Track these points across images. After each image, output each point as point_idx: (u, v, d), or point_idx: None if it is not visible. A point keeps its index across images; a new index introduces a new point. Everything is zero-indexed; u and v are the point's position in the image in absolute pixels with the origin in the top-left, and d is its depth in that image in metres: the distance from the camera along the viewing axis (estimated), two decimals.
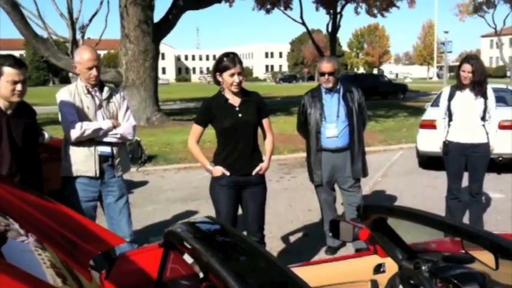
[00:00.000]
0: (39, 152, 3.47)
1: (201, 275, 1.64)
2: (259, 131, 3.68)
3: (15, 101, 3.11)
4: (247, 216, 3.67)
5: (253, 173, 3.54)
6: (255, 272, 1.51)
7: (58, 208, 1.86)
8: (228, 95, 3.51)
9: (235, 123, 3.46)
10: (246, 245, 1.71)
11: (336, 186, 4.73)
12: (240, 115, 3.48)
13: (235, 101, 3.51)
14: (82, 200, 3.56)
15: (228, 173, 3.50)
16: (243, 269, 1.53)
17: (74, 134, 3.45)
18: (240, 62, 3.45)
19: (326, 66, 4.38)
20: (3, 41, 70.00)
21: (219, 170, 3.52)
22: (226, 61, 3.40)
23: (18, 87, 3.05)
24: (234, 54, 3.47)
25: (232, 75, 3.39)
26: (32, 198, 1.84)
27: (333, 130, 4.45)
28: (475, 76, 4.58)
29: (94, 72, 3.50)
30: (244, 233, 3.75)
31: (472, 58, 4.71)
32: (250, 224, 3.65)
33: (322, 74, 4.42)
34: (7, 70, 3.02)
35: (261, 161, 3.64)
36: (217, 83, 3.52)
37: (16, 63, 3.05)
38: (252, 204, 3.62)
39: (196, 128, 3.61)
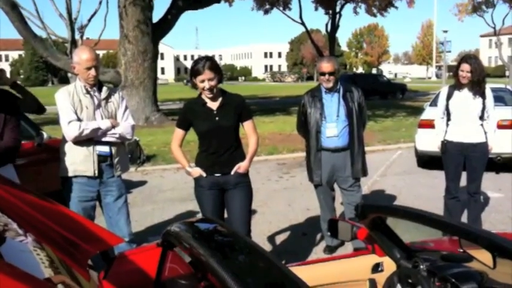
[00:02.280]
0: (37, 151, 3.50)
1: (200, 274, 1.64)
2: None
3: None
4: (231, 220, 3.59)
5: (232, 172, 3.49)
6: (253, 271, 1.51)
7: (56, 208, 1.86)
8: (206, 98, 3.48)
9: (213, 126, 3.44)
10: (244, 244, 1.71)
11: (336, 186, 4.73)
12: (217, 119, 3.44)
13: (213, 104, 3.47)
14: (81, 199, 3.56)
15: (204, 174, 3.48)
16: (242, 269, 1.53)
17: (73, 133, 3.46)
18: (211, 68, 3.34)
19: (326, 66, 4.38)
20: (2, 41, 69.94)
21: (197, 172, 3.51)
22: (197, 66, 3.36)
23: None
24: (207, 59, 3.40)
25: (202, 81, 3.36)
26: (31, 198, 1.84)
27: (333, 130, 4.45)
28: (474, 76, 4.58)
29: (93, 72, 3.50)
30: None
31: (470, 58, 4.71)
32: (237, 226, 3.52)
33: (323, 74, 4.42)
34: None
35: (243, 160, 3.58)
36: (194, 86, 3.49)
37: None
38: (234, 206, 3.55)
39: (177, 132, 3.61)
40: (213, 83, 3.36)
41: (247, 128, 3.62)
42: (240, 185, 3.55)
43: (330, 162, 4.52)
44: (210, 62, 3.38)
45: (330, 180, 4.61)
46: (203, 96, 3.49)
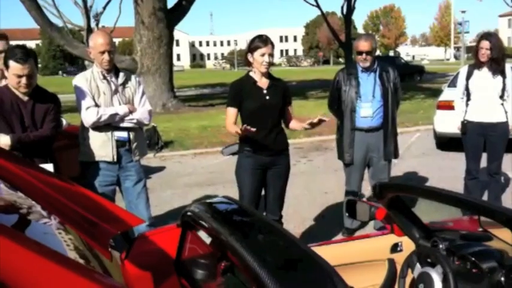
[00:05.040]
0: (57, 138, 3.58)
1: (219, 254, 1.66)
2: None
3: (23, 92, 3.31)
4: (268, 195, 3.76)
5: (315, 119, 3.40)
6: (273, 249, 1.52)
7: (78, 190, 1.89)
8: (256, 77, 3.59)
9: (263, 105, 3.55)
10: (264, 223, 1.72)
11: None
12: (267, 98, 3.57)
13: (263, 84, 3.60)
14: (100, 184, 3.62)
15: (253, 129, 3.30)
16: (262, 247, 1.53)
17: (91, 119, 3.50)
18: (272, 44, 3.54)
19: (364, 45, 4.29)
20: (19, 31, 70.67)
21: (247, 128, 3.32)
22: (258, 41, 3.50)
23: (23, 80, 3.24)
24: (267, 36, 3.57)
25: (263, 54, 3.48)
26: (53, 180, 1.87)
27: (368, 110, 4.38)
28: (493, 53, 4.50)
29: (106, 56, 3.52)
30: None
31: (490, 35, 4.63)
32: (271, 202, 3.76)
33: (360, 53, 4.32)
34: (12, 64, 3.21)
35: (287, 142, 3.76)
36: (248, 64, 3.60)
37: (21, 57, 3.19)
38: (276, 184, 3.72)
39: (230, 111, 3.63)
40: (271, 58, 3.52)
41: (289, 112, 3.78)
42: (284, 165, 3.72)
43: (364, 142, 4.45)
44: (269, 38, 3.56)
45: (362, 160, 4.53)
46: (253, 75, 3.60)
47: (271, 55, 3.51)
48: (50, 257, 1.09)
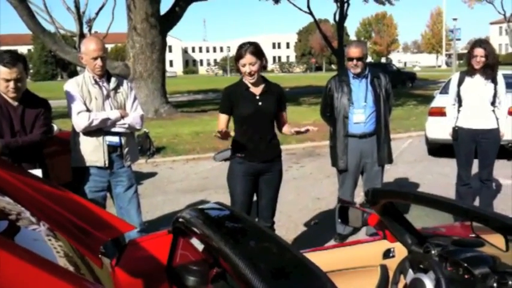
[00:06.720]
0: (48, 144, 3.55)
1: (211, 260, 1.64)
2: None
3: (12, 97, 3.30)
4: (261, 201, 3.73)
5: (303, 129, 3.44)
6: (266, 256, 1.51)
7: (68, 196, 1.87)
8: (248, 83, 3.55)
9: (255, 111, 3.50)
10: (256, 230, 1.71)
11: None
12: (259, 103, 3.52)
13: (255, 90, 3.55)
14: (91, 190, 3.59)
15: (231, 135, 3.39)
16: (254, 254, 1.52)
17: (82, 124, 3.48)
18: (253, 52, 3.41)
19: (354, 51, 4.31)
20: (11, 36, 70.36)
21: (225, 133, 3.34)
22: (240, 50, 3.45)
23: (11, 85, 3.23)
24: (250, 44, 3.47)
25: (243, 65, 3.43)
26: (43, 186, 1.85)
27: (361, 116, 4.39)
28: (489, 59, 4.53)
29: (99, 62, 3.51)
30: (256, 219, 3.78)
31: (482, 42, 4.67)
32: (263, 209, 3.73)
33: (350, 59, 4.34)
34: (0, 69, 3.19)
35: (279, 149, 3.71)
36: (239, 71, 3.57)
37: (9, 62, 3.18)
38: (268, 191, 3.68)
39: (221, 117, 3.62)
40: (254, 67, 3.43)
41: (282, 118, 3.71)
42: (276, 172, 3.68)
43: (357, 149, 4.45)
44: (252, 46, 3.45)
45: (357, 167, 4.52)
46: (245, 81, 3.55)
47: (252, 64, 3.40)
48: (40, 264, 1.07)
